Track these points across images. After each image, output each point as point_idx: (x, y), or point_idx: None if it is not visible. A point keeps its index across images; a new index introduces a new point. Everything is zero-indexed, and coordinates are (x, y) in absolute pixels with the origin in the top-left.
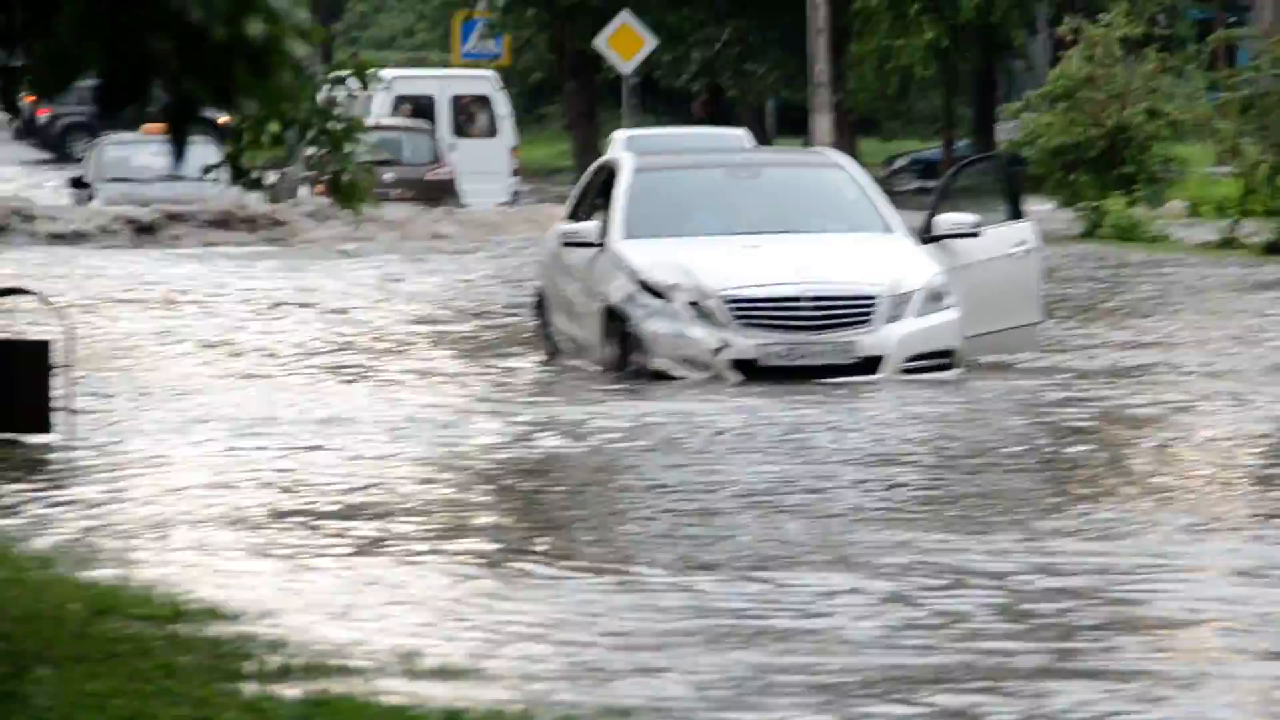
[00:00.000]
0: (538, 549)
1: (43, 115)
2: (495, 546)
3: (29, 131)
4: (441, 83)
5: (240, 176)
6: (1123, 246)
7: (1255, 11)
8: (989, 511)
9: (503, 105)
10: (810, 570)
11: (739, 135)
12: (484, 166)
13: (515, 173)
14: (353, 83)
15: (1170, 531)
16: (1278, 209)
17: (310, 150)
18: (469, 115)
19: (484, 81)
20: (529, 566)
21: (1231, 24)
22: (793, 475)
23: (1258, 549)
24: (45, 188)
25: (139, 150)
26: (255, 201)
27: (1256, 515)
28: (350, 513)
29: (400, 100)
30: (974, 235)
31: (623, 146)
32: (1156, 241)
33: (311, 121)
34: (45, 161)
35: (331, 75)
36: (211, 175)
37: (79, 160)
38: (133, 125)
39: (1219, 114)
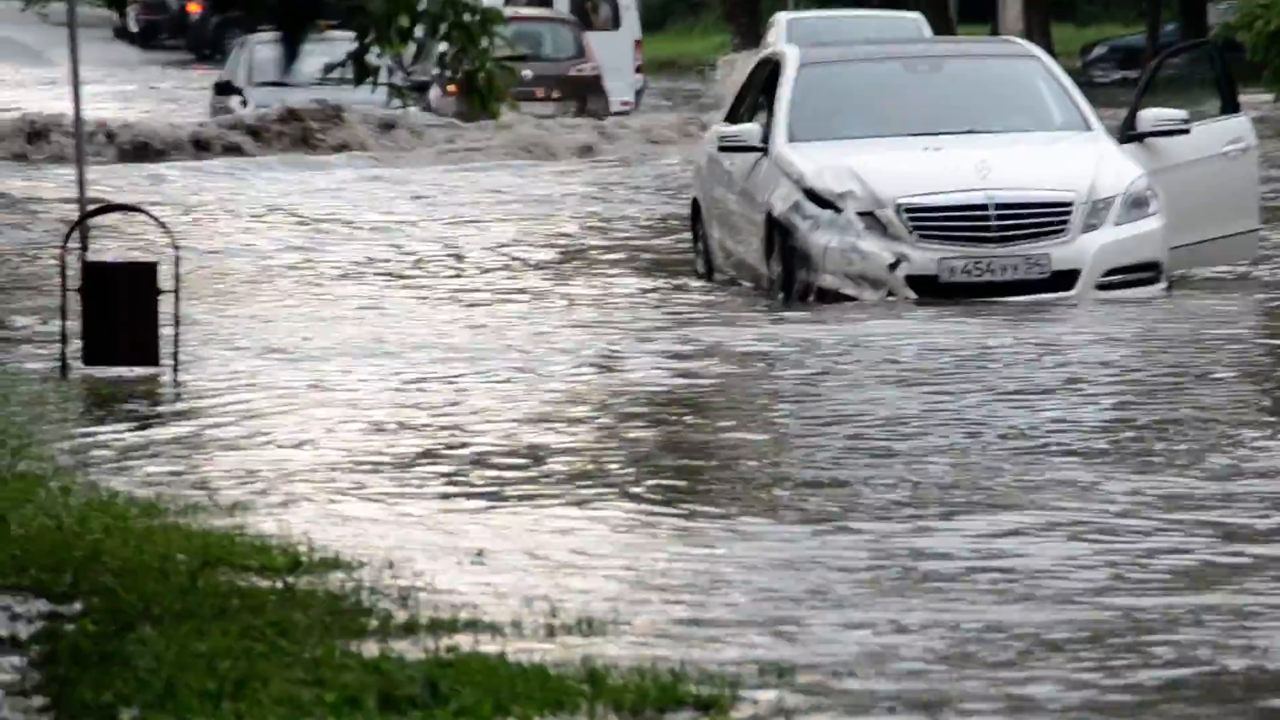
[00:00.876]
0: (689, 492)
1: (193, 12)
2: (643, 489)
3: (178, 30)
4: None
5: (365, 76)
6: None
7: None
8: (1201, 446)
9: None
10: (1001, 511)
11: (915, 20)
12: (606, 63)
13: (638, 69)
14: None
15: None
16: None
17: (442, 46)
18: (591, 5)
19: None
20: (679, 511)
21: None
22: (975, 406)
23: None
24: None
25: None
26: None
27: None
28: (486, 452)
29: None
30: (1183, 132)
31: (783, 32)
32: None
33: (444, 13)
34: (179, 63)
35: None
36: (334, 74)
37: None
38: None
39: None
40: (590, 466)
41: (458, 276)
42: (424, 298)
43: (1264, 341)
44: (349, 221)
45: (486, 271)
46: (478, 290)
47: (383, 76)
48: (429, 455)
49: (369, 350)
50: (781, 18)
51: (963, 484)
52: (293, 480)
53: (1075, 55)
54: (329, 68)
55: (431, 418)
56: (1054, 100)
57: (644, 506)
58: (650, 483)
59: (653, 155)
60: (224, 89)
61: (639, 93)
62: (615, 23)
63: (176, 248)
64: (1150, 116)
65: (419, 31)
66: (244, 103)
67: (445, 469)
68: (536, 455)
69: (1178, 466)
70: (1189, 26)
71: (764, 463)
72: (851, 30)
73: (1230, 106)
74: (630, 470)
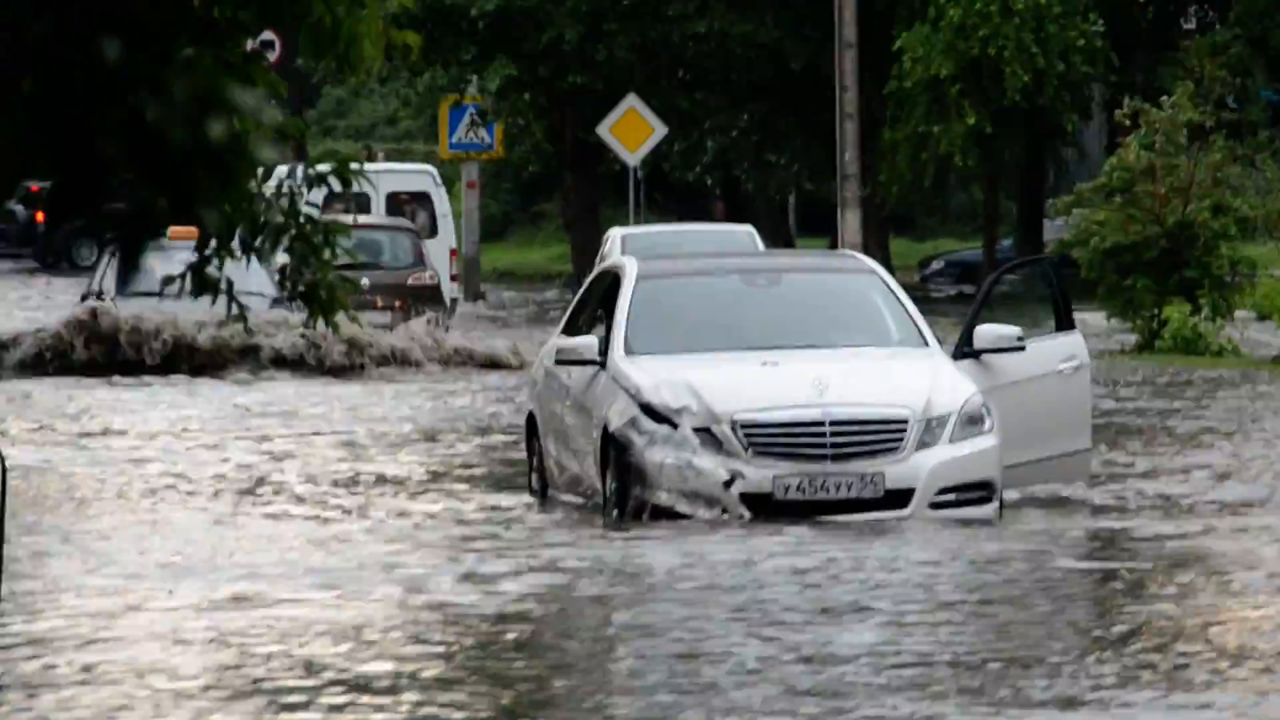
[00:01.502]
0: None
1: (42, 220)
2: (464, 716)
3: (25, 240)
4: (376, 178)
5: (205, 288)
6: (1184, 361)
7: None
8: (1018, 683)
9: (443, 203)
10: None
11: (747, 233)
12: None
13: (454, 278)
14: (334, 181)
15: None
16: None
17: (282, 258)
18: (410, 212)
19: (423, 177)
20: None
21: None
22: (799, 633)
23: None
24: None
25: (165, 259)
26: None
27: None
28: (303, 681)
29: (331, 197)
30: (1018, 349)
31: (620, 246)
32: (1223, 355)
33: (287, 225)
34: (20, 271)
35: (310, 172)
36: (172, 288)
37: (87, 270)
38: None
39: None
40: (416, 692)
41: (283, 492)
42: (250, 515)
43: (1092, 567)
44: (179, 433)
45: (310, 484)
46: (303, 507)
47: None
48: (255, 681)
49: (195, 574)
50: (616, 233)
51: (788, 714)
52: (115, 713)
53: (913, 269)
54: (167, 280)
55: (250, 645)
56: (891, 316)
57: None
58: (474, 709)
59: (479, 369)
60: (89, 300)
61: (454, 301)
62: (433, 230)
63: (2, 461)
64: (986, 333)
65: (259, 243)
66: None
67: (269, 693)
68: (361, 681)
69: (995, 701)
70: (1025, 242)
71: (588, 690)
72: (686, 244)
73: (1065, 324)
74: (457, 699)
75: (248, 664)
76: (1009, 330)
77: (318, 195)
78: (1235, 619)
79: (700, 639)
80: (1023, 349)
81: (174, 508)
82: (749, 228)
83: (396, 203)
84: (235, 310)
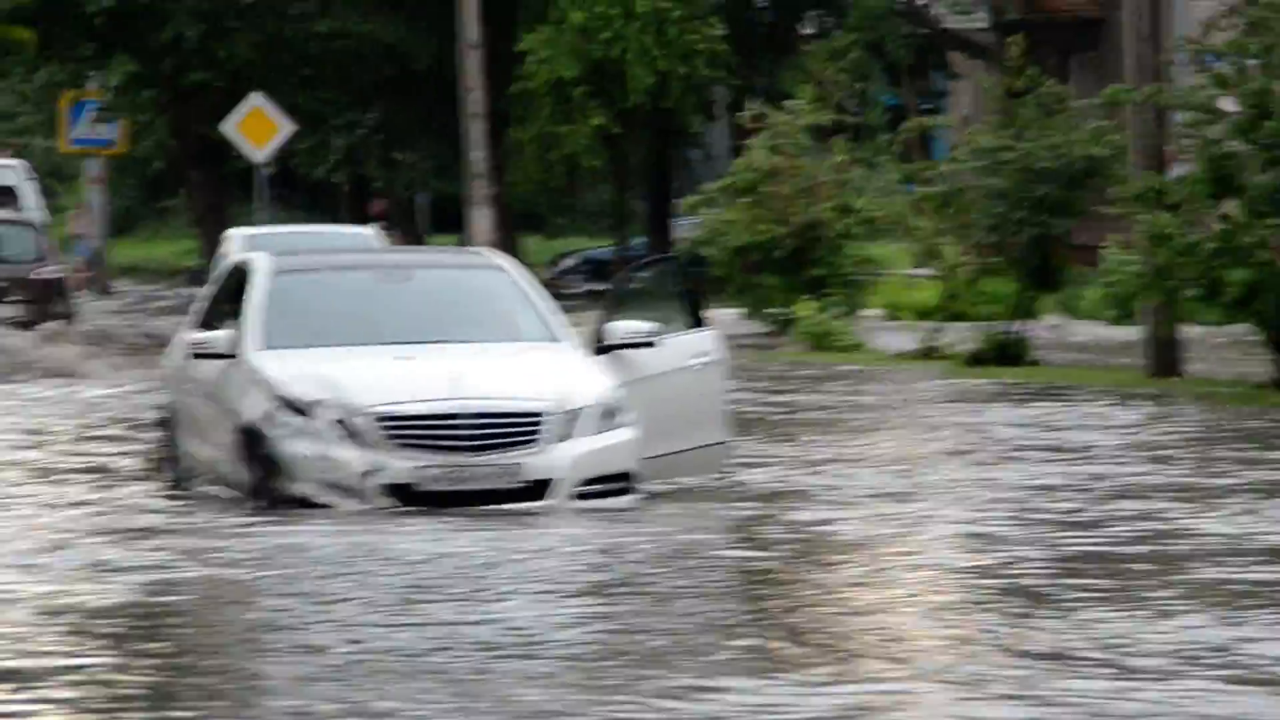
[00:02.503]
0: (136, 713)
1: None
2: (88, 712)
3: None
4: None
5: None
6: (813, 356)
7: (952, 98)
8: (639, 670)
9: (30, 197)
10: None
11: (366, 234)
12: None
13: None
14: None
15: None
16: (981, 316)
17: None
18: None
19: (8, 171)
20: None
21: (926, 111)
22: (433, 621)
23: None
24: None
25: None
26: None
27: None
28: None
29: None
30: (650, 345)
31: (240, 247)
32: (851, 350)
33: None
34: None
35: None
36: None
37: None
38: None
39: (915, 211)
40: (35, 684)
41: None
42: None
43: (724, 555)
44: None
45: None
46: None
47: None
48: None
49: None
50: (235, 233)
51: (408, 702)
52: None
53: (545, 266)
54: None
55: None
56: (526, 312)
57: None
58: (98, 703)
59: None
60: None
61: None
62: None
63: None
64: (619, 329)
65: None
66: None
67: None
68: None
69: (611, 689)
70: (656, 240)
71: (224, 681)
72: (306, 244)
73: (696, 321)
74: (76, 684)
75: None
76: (641, 326)
77: None
78: (863, 604)
79: (337, 628)
80: (653, 345)
81: None
82: (372, 229)
83: None
84: None
